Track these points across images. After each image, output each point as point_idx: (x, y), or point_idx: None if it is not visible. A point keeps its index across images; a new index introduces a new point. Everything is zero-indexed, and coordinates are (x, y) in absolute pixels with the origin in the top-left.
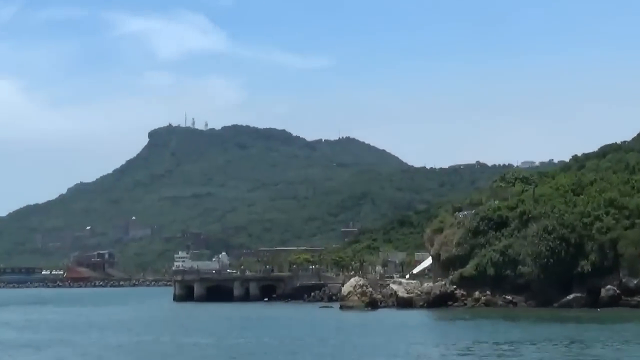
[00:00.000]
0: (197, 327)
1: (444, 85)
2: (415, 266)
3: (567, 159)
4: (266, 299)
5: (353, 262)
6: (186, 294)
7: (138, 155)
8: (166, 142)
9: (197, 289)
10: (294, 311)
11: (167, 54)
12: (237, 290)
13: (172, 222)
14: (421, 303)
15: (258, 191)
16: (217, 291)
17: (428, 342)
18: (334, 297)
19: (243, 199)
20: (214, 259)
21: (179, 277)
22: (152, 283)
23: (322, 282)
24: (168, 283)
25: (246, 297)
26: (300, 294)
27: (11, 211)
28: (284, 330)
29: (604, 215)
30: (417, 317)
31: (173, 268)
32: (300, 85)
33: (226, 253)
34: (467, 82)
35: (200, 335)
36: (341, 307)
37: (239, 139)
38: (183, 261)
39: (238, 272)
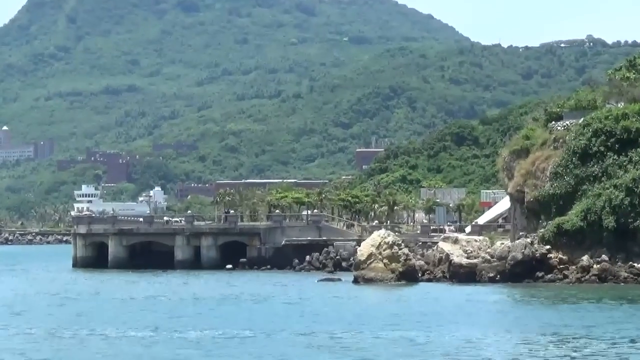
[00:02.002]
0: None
1: None
2: (482, 212)
3: None
4: (229, 267)
5: (376, 206)
6: (94, 257)
7: (11, 21)
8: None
9: (113, 249)
10: (276, 289)
11: None
12: (180, 252)
13: (69, 136)
14: (491, 274)
15: (216, 84)
16: (147, 252)
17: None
18: (343, 264)
19: (190, 97)
20: (141, 199)
21: (82, 229)
22: (37, 238)
23: (323, 238)
24: (65, 238)
25: (196, 263)
26: (287, 258)
27: None
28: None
29: None
30: (484, 301)
31: (72, 213)
32: None
33: (162, 189)
34: None
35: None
36: (356, 281)
37: None
38: (89, 201)
39: (182, 221)
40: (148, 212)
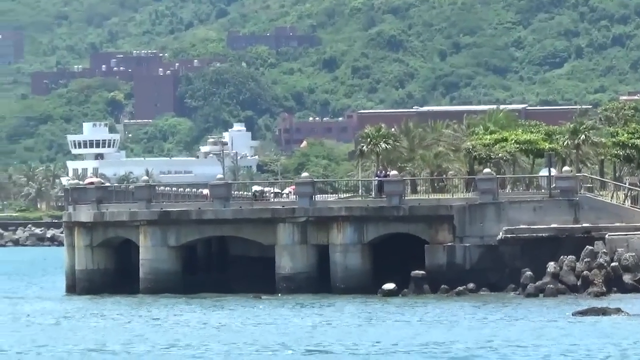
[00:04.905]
0: None
1: None
2: None
3: None
4: (390, 287)
5: None
6: (111, 272)
7: None
8: None
9: (149, 254)
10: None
11: None
12: (288, 258)
13: (53, 24)
14: None
15: None
16: (219, 261)
17: None
18: (626, 278)
19: None
20: (205, 148)
21: (83, 213)
22: None
23: (583, 224)
24: (50, 234)
25: (320, 281)
26: (509, 268)
27: None
28: None
29: None
30: None
31: (64, 180)
32: None
33: (247, 127)
34: None
35: None
36: None
37: None
38: (98, 156)
39: (291, 194)
40: (220, 175)
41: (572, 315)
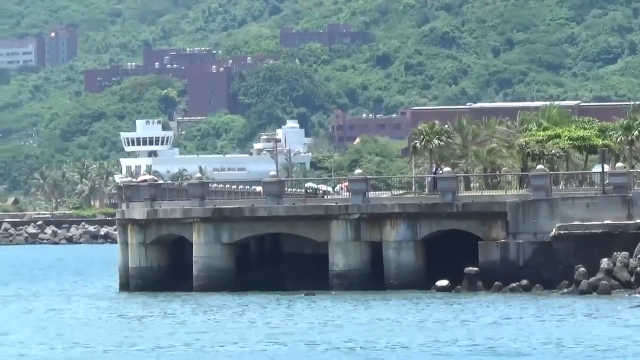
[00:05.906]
0: None
1: None
2: None
3: None
4: (443, 283)
5: None
6: (164, 269)
7: None
8: None
9: (203, 251)
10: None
11: None
12: (341, 255)
13: (106, 21)
14: None
15: None
16: (273, 258)
17: None
18: None
19: None
20: (259, 145)
21: (136, 211)
22: (47, 230)
23: (637, 221)
24: (104, 231)
25: (372, 278)
26: (562, 264)
27: None
28: None
29: None
30: None
31: (117, 178)
32: None
33: (300, 124)
34: None
35: None
36: None
37: None
38: (152, 154)
39: (344, 191)
40: (273, 172)
41: (630, 308)
